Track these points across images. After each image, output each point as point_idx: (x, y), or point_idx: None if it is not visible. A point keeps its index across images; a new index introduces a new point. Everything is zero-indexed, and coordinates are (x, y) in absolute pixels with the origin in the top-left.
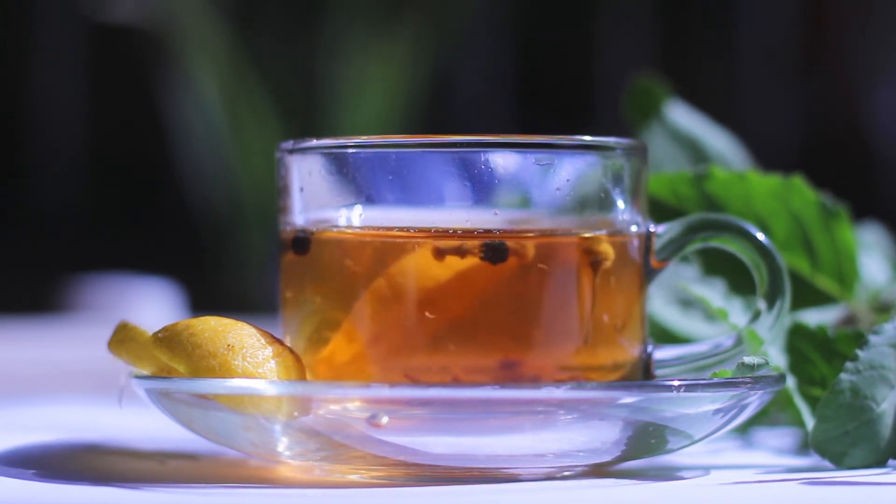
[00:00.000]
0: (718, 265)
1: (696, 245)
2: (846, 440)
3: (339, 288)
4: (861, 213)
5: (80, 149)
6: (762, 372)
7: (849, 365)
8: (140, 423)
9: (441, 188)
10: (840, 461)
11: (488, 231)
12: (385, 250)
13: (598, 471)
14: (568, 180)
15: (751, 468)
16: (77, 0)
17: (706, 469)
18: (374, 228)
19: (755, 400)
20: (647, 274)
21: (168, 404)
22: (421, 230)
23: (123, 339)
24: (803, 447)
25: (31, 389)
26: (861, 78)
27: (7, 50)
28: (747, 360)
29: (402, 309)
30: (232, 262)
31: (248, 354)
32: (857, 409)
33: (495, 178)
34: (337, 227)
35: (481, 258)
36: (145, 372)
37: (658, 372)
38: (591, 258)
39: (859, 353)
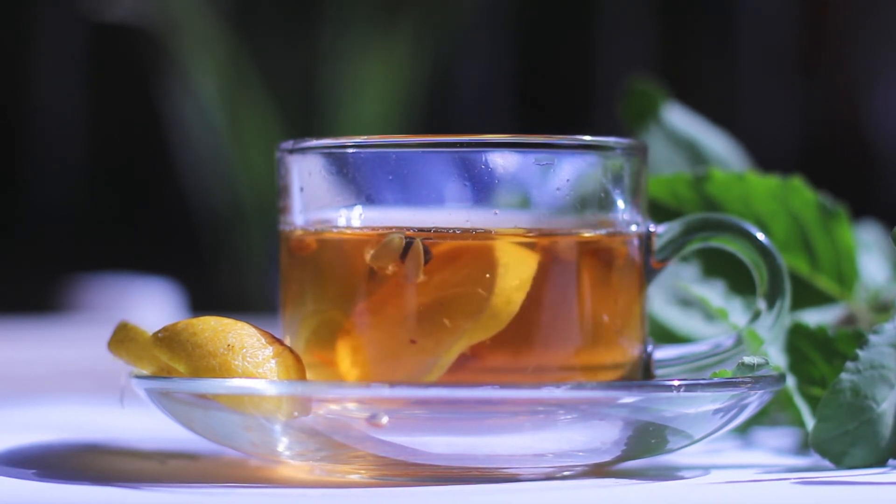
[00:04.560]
0: (718, 265)
1: (696, 245)
2: (846, 440)
3: (339, 288)
4: (860, 213)
5: (80, 149)
6: (762, 372)
7: (849, 365)
8: (140, 423)
9: (441, 188)
10: (840, 461)
11: (487, 231)
12: (464, 250)
13: (598, 471)
14: (568, 180)
15: (751, 468)
16: (77, 0)
17: (706, 469)
18: (373, 228)
19: (755, 400)
20: (647, 274)
21: (168, 404)
22: (421, 230)
23: (123, 339)
24: (803, 447)
25: (31, 389)
26: (861, 78)
27: (7, 50)
28: (747, 360)
29: (400, 308)
30: (232, 262)
31: (248, 354)
32: (858, 409)
33: (495, 178)
34: (337, 227)
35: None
36: (145, 372)
37: (658, 372)
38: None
39: (859, 352)
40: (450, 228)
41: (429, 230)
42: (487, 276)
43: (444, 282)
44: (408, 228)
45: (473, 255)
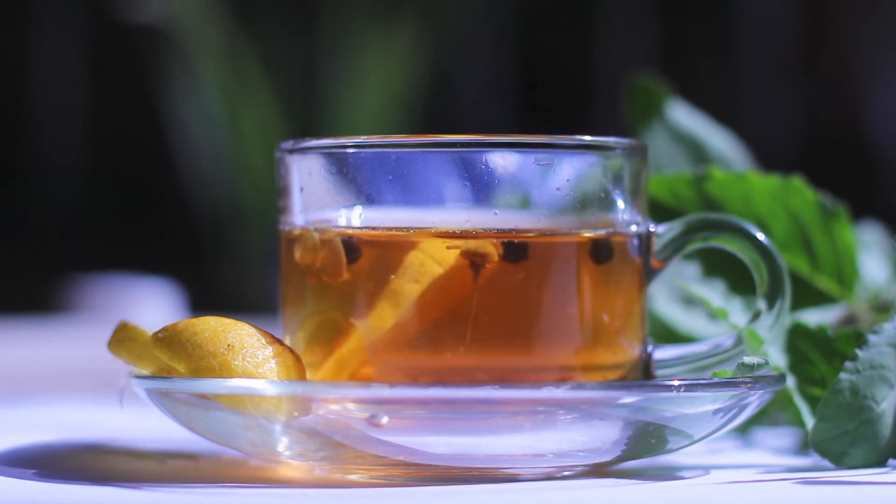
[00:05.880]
0: (718, 265)
1: (696, 245)
2: (846, 440)
3: (339, 288)
4: (861, 212)
5: (81, 148)
6: (762, 372)
7: (849, 365)
8: (140, 423)
9: (441, 188)
10: (840, 461)
11: (488, 231)
12: (385, 250)
13: (598, 471)
14: (568, 180)
15: (751, 468)
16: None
17: (706, 469)
18: (373, 228)
19: (755, 400)
20: (647, 274)
21: (168, 404)
22: (421, 230)
23: (123, 339)
24: (803, 447)
25: (31, 389)
26: (861, 78)
27: (7, 49)
28: (747, 360)
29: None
30: (232, 262)
31: (248, 354)
32: (857, 409)
33: (495, 178)
34: (337, 226)
35: (501, 258)
36: (145, 372)
37: (658, 372)
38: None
39: (859, 352)
40: (377, 227)
41: (429, 230)
42: (392, 277)
43: (366, 282)
44: (409, 228)
45: (387, 256)
